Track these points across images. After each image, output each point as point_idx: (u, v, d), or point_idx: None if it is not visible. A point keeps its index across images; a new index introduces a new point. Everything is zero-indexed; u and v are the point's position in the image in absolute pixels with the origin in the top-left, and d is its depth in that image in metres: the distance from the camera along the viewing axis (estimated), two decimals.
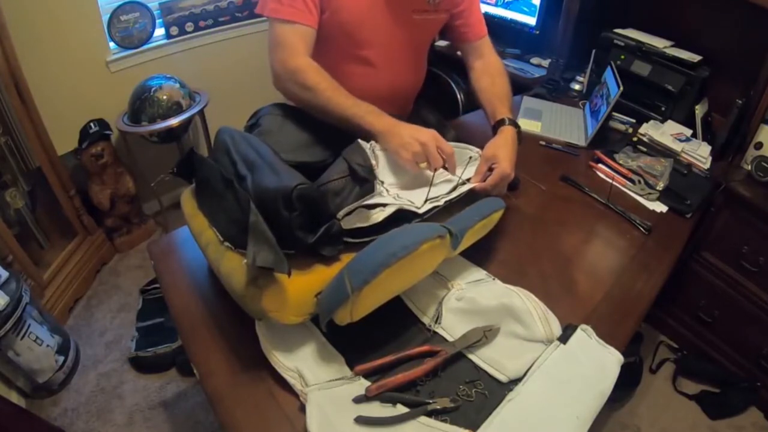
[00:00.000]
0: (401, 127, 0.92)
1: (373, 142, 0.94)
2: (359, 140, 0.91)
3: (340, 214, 0.76)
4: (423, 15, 1.13)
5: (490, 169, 0.96)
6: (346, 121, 0.96)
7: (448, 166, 0.93)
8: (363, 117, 0.94)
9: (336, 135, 1.01)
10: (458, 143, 1.02)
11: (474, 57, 1.23)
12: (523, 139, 1.41)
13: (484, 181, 0.95)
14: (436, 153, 0.90)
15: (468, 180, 0.96)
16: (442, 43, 1.97)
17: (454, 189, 0.91)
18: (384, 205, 0.80)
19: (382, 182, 0.90)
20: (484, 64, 1.21)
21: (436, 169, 0.91)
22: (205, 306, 0.86)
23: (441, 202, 0.88)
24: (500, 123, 1.06)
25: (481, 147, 1.02)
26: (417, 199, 0.87)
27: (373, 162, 0.88)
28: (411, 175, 0.94)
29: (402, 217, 0.81)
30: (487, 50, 1.23)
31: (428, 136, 0.90)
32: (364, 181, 0.82)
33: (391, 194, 0.88)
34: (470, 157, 1.01)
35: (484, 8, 2.12)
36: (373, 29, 1.08)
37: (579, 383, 0.71)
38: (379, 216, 0.78)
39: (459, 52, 1.28)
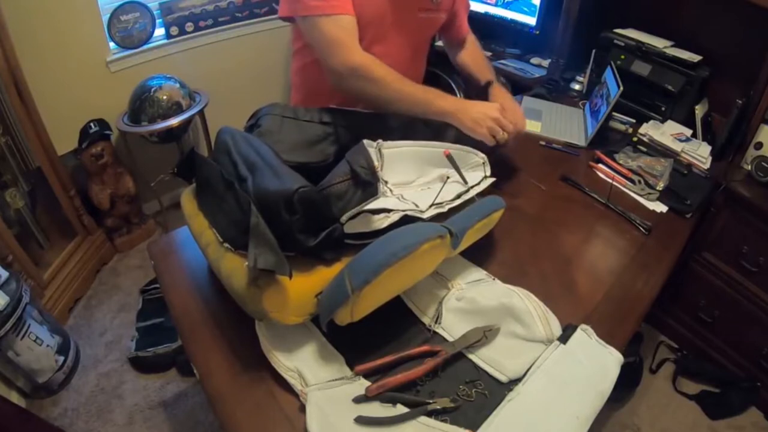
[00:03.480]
0: (468, 105, 1.02)
1: (380, 141, 0.92)
2: (364, 141, 0.91)
3: (344, 218, 0.76)
4: (428, 14, 1.14)
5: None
6: (416, 107, 1.01)
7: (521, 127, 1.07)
8: (432, 102, 1.01)
9: (336, 134, 1.01)
10: (463, 146, 1.02)
11: (458, 46, 1.35)
12: (523, 139, 1.41)
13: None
14: (508, 123, 1.01)
15: (473, 186, 0.96)
16: (442, 43, 1.97)
17: (458, 197, 0.91)
18: (388, 210, 0.79)
19: (386, 182, 0.89)
20: (464, 47, 1.34)
21: (447, 178, 0.94)
22: (205, 306, 0.86)
23: (445, 209, 0.87)
24: (488, 84, 1.22)
25: (482, 147, 1.02)
26: (421, 202, 0.87)
27: (377, 162, 0.87)
28: (416, 175, 0.94)
29: (405, 219, 0.81)
30: (469, 38, 1.35)
31: (494, 110, 1.01)
32: (367, 184, 0.81)
33: (395, 194, 0.87)
34: (483, 163, 1.01)
35: (485, 8, 2.13)
36: (381, 26, 1.08)
37: (579, 383, 0.71)
38: (383, 222, 0.78)
39: (441, 42, 1.40)
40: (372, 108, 1.04)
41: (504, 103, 1.09)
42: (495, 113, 1.00)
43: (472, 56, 1.32)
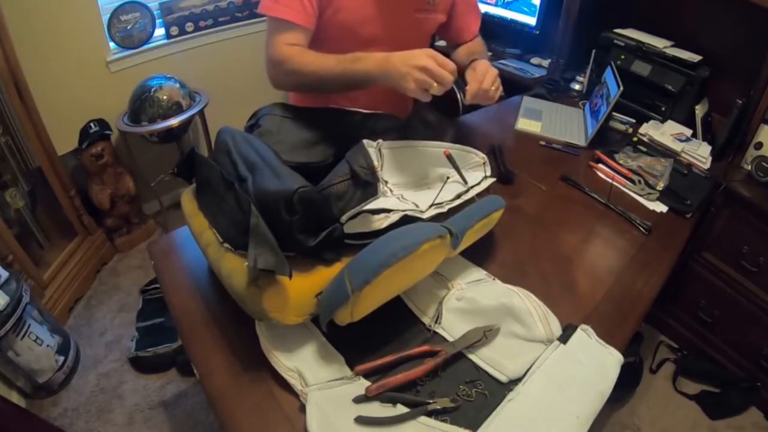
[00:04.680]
0: (393, 59, 0.85)
1: (380, 141, 0.92)
2: (364, 141, 0.91)
3: (344, 218, 0.76)
4: (425, 14, 1.14)
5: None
6: (342, 80, 0.92)
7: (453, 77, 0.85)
8: (352, 68, 0.90)
9: (336, 134, 1.01)
10: (463, 146, 1.02)
11: (461, 48, 1.27)
12: (523, 138, 1.41)
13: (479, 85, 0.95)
14: (442, 71, 0.82)
15: (473, 186, 0.96)
16: (442, 43, 1.97)
17: (458, 197, 0.91)
18: (388, 211, 0.79)
19: (387, 182, 0.89)
20: (466, 45, 1.26)
21: (447, 178, 0.92)
22: (205, 306, 0.86)
23: (444, 209, 0.87)
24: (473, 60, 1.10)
25: (482, 147, 1.02)
26: (421, 202, 0.87)
27: (377, 163, 0.87)
28: (416, 175, 0.94)
29: (405, 219, 0.81)
30: (475, 40, 1.28)
31: (424, 57, 0.82)
32: (367, 184, 0.81)
33: (395, 194, 0.87)
34: (483, 163, 1.01)
35: (484, 8, 2.12)
36: (376, 28, 1.08)
37: (579, 383, 0.71)
38: (382, 222, 0.78)
39: (443, 41, 1.34)
40: (318, 94, 1.00)
41: (473, 65, 1.01)
42: (422, 61, 0.81)
43: (467, 48, 1.25)
